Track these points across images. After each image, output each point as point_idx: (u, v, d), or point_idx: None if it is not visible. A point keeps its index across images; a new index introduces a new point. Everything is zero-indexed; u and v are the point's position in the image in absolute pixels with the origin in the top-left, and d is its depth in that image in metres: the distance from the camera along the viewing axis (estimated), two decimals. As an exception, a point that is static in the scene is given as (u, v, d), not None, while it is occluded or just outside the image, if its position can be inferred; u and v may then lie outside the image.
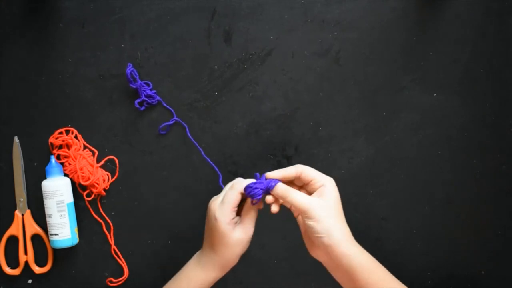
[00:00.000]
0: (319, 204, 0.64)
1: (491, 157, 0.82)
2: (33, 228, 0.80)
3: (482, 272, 0.83)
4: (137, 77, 0.79)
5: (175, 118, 0.80)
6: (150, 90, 0.79)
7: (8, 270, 0.80)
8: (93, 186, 0.79)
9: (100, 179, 0.79)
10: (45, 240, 0.80)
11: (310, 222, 0.64)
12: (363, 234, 0.82)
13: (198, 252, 0.71)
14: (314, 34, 0.81)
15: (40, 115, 0.80)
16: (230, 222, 0.67)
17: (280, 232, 0.82)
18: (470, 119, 0.82)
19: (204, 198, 0.81)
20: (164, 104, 0.80)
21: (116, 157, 0.81)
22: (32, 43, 0.80)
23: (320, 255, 0.67)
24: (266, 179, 0.68)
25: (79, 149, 0.79)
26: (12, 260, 0.81)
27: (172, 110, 0.80)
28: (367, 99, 0.81)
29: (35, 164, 0.80)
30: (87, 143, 0.80)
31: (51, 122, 0.80)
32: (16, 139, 0.78)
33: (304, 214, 0.64)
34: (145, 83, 0.79)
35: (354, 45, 0.81)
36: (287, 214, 0.82)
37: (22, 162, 0.79)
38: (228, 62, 0.81)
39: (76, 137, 0.80)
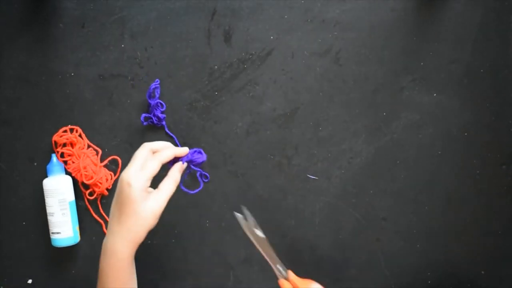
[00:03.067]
0: None
1: (491, 157, 0.82)
2: (305, 282, 0.74)
3: (482, 272, 0.83)
4: (158, 95, 0.79)
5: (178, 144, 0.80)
6: (161, 112, 0.79)
7: None
8: (96, 185, 0.79)
9: (103, 179, 0.79)
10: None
11: None
12: (363, 234, 0.83)
13: (105, 239, 0.66)
14: (314, 34, 0.81)
15: (40, 115, 0.80)
16: (144, 189, 0.64)
17: (280, 232, 0.82)
18: (470, 119, 0.82)
19: (204, 198, 0.81)
20: (167, 131, 0.80)
21: (118, 157, 0.81)
22: (32, 43, 0.80)
23: None
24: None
25: (83, 148, 0.80)
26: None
27: (175, 137, 0.80)
28: (367, 99, 0.81)
29: (35, 164, 0.80)
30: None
31: (51, 122, 0.80)
32: (237, 214, 0.71)
33: None
34: (160, 102, 0.79)
35: (354, 45, 0.81)
36: (288, 214, 0.82)
37: (261, 235, 0.71)
38: (228, 62, 0.81)
39: (80, 135, 0.80)
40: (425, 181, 0.82)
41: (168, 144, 0.70)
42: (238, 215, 0.69)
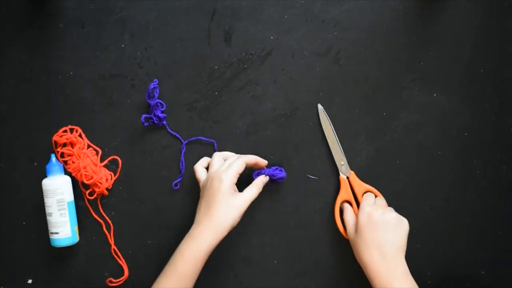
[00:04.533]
0: (352, 238, 0.76)
1: (491, 157, 0.82)
2: (362, 187, 0.80)
3: (482, 272, 0.83)
4: (157, 95, 0.79)
5: (184, 144, 0.80)
6: (162, 112, 0.79)
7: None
8: (96, 185, 0.79)
9: (103, 179, 0.79)
10: (377, 196, 0.80)
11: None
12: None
13: (190, 230, 0.73)
14: (314, 34, 0.81)
15: (40, 115, 0.80)
16: (233, 185, 0.73)
17: (280, 232, 0.82)
18: (470, 119, 0.82)
19: (204, 198, 0.81)
20: (169, 130, 0.80)
21: (118, 157, 0.81)
22: (32, 43, 0.80)
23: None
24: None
25: (83, 148, 0.79)
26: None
27: (178, 135, 0.80)
28: (367, 99, 0.81)
29: (35, 164, 0.80)
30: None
31: (51, 122, 0.80)
32: (320, 106, 0.80)
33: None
34: (159, 102, 0.79)
35: (354, 45, 0.81)
36: (287, 214, 0.82)
37: (332, 128, 0.79)
38: (228, 62, 0.81)
39: (80, 135, 0.80)
40: (425, 181, 0.82)
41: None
42: (320, 106, 0.78)
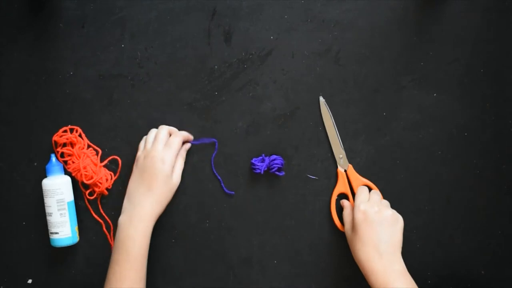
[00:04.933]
0: (349, 236, 0.76)
1: (491, 157, 0.82)
2: (359, 181, 0.81)
3: (482, 272, 0.83)
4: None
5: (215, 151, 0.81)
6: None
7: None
8: (96, 185, 0.79)
9: (103, 179, 0.79)
10: (373, 190, 0.81)
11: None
12: (363, 234, 0.82)
13: (121, 217, 0.74)
14: (314, 34, 0.81)
15: (40, 115, 0.80)
16: (173, 165, 0.76)
17: (280, 232, 0.82)
18: (470, 119, 0.82)
19: (204, 198, 0.81)
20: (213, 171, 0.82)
21: (117, 157, 0.81)
22: (32, 43, 0.80)
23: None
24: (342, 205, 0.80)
25: (83, 148, 0.79)
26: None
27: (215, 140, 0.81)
28: (367, 99, 0.81)
29: (35, 164, 0.80)
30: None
31: (51, 122, 0.80)
32: (321, 98, 0.80)
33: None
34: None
35: (354, 45, 0.81)
36: (287, 214, 0.82)
37: (332, 121, 0.80)
38: (228, 62, 0.81)
39: (80, 135, 0.80)
40: (425, 181, 0.82)
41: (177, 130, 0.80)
42: (322, 98, 0.78)
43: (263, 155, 0.80)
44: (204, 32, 0.81)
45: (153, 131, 0.79)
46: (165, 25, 0.80)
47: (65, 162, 0.79)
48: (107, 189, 0.80)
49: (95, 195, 0.80)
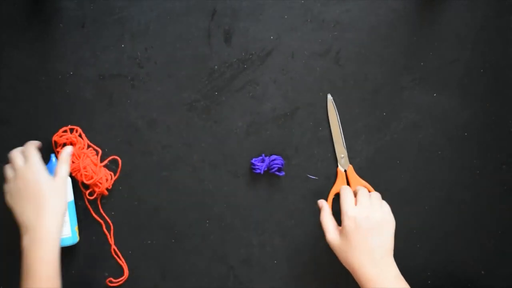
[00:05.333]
0: (338, 243, 0.72)
1: (491, 157, 0.82)
2: (358, 182, 0.80)
3: (482, 272, 0.83)
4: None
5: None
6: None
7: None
8: (96, 185, 0.79)
9: (103, 179, 0.79)
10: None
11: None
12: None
13: (23, 241, 0.69)
14: (314, 34, 0.81)
15: (40, 115, 0.80)
16: (43, 168, 0.71)
17: (280, 232, 0.82)
18: (470, 119, 0.82)
19: (204, 198, 0.81)
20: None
21: (117, 157, 0.81)
22: (32, 43, 0.80)
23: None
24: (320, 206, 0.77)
25: (83, 148, 0.79)
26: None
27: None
28: (367, 99, 0.81)
29: (35, 164, 0.80)
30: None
31: (51, 122, 0.80)
32: (329, 96, 0.80)
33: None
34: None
35: (354, 45, 0.81)
36: (287, 214, 0.82)
37: (338, 120, 0.79)
38: (228, 62, 0.81)
39: (80, 135, 0.80)
40: (425, 181, 0.82)
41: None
42: (330, 96, 0.78)
43: (263, 155, 0.80)
44: (204, 32, 0.81)
45: (10, 158, 0.74)
46: (165, 25, 0.80)
47: (65, 162, 0.79)
48: (107, 189, 0.80)
49: (95, 195, 0.80)
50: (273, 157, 0.80)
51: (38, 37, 0.80)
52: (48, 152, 0.79)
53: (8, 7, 0.79)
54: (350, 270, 0.71)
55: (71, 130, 0.80)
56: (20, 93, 0.80)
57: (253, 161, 0.80)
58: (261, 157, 0.80)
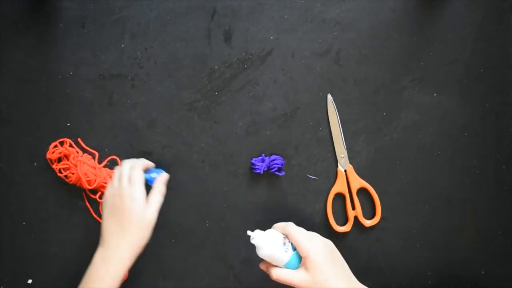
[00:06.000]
0: (303, 280, 0.66)
1: (491, 157, 0.82)
2: (358, 182, 0.80)
3: (482, 272, 0.83)
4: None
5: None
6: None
7: (339, 228, 0.81)
8: (102, 186, 0.79)
9: (106, 178, 0.79)
10: (370, 193, 0.81)
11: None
12: (363, 234, 0.83)
13: (97, 252, 0.69)
14: (314, 34, 0.81)
15: (40, 115, 0.80)
16: (145, 200, 0.70)
17: (280, 232, 0.82)
18: (470, 119, 0.82)
19: (204, 198, 0.81)
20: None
21: (117, 157, 0.81)
22: (32, 43, 0.80)
23: None
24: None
25: (77, 156, 0.79)
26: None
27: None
28: (367, 99, 0.81)
29: (35, 164, 0.80)
30: (87, 143, 0.80)
31: (51, 122, 0.80)
32: (329, 96, 0.80)
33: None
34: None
35: (354, 45, 0.81)
36: (287, 214, 0.82)
37: (338, 120, 0.79)
38: (228, 62, 0.81)
39: (71, 145, 0.80)
40: (425, 181, 0.82)
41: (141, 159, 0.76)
42: (330, 96, 0.78)
43: (263, 155, 0.80)
44: (204, 32, 0.81)
45: (118, 168, 0.74)
46: (165, 25, 0.80)
47: (66, 177, 0.79)
48: None
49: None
50: (273, 157, 0.80)
51: (38, 37, 0.80)
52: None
53: (8, 7, 0.79)
54: None
55: (61, 144, 0.80)
56: (20, 93, 0.80)
57: (253, 161, 0.80)
58: (261, 157, 0.80)
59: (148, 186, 0.73)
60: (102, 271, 0.67)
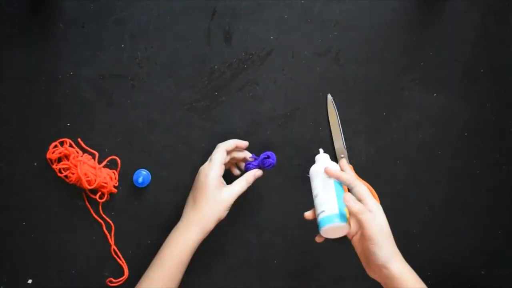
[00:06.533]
0: (383, 231, 0.65)
1: (491, 157, 0.82)
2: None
3: (482, 272, 0.83)
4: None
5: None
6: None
7: None
8: (102, 186, 0.79)
9: (106, 178, 0.79)
10: (370, 193, 0.77)
11: (374, 249, 0.64)
12: (363, 234, 0.82)
13: (179, 222, 0.74)
14: (314, 34, 0.81)
15: (40, 115, 0.80)
16: (218, 178, 0.73)
17: (280, 232, 0.82)
18: (470, 119, 0.82)
19: (204, 198, 0.81)
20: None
21: (117, 157, 0.81)
22: (32, 43, 0.80)
23: (377, 276, 0.67)
24: (325, 170, 0.70)
25: (78, 156, 0.79)
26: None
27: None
28: (367, 99, 0.81)
29: (35, 164, 0.80)
30: (87, 143, 0.80)
31: (51, 122, 0.80)
32: (329, 96, 0.80)
33: (370, 241, 0.64)
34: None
35: (354, 45, 0.81)
36: (288, 214, 0.82)
37: (338, 120, 0.79)
38: (228, 62, 0.81)
39: (71, 145, 0.80)
40: (425, 181, 0.82)
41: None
42: (330, 96, 0.80)
43: (253, 155, 0.78)
44: (204, 32, 0.81)
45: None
46: (165, 25, 0.80)
47: (66, 177, 0.79)
48: (114, 186, 0.80)
49: (105, 197, 0.80)
50: (265, 154, 0.76)
51: (38, 37, 0.80)
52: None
53: (8, 7, 0.79)
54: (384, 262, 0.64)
55: (61, 144, 0.80)
56: (20, 93, 0.80)
57: (245, 166, 0.78)
58: (253, 155, 0.78)
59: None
60: (170, 240, 0.72)
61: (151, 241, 0.81)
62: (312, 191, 0.71)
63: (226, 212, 0.73)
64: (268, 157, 0.76)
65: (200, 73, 0.81)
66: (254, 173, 0.76)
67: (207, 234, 0.72)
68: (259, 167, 0.77)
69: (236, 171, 0.80)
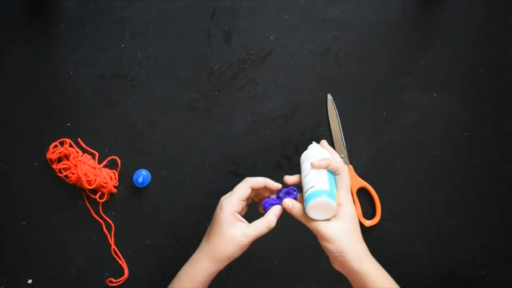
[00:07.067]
0: (332, 226, 0.64)
1: (491, 157, 0.82)
2: (358, 182, 0.80)
3: (482, 272, 0.83)
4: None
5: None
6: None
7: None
8: (102, 186, 0.79)
9: (106, 178, 0.79)
10: (370, 193, 0.80)
11: (324, 243, 0.65)
12: (363, 234, 0.82)
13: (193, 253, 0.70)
14: (314, 34, 0.81)
15: (40, 115, 0.80)
16: (233, 213, 0.66)
17: (280, 232, 0.82)
18: (470, 119, 0.82)
19: (204, 198, 0.81)
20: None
21: (117, 157, 0.81)
22: (32, 43, 0.80)
23: (339, 269, 0.67)
24: (284, 184, 0.69)
25: (78, 156, 0.79)
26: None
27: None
28: (367, 99, 0.81)
29: (35, 164, 0.80)
30: (87, 143, 0.80)
31: (51, 122, 0.80)
32: (329, 96, 0.79)
33: (317, 235, 0.65)
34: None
35: (354, 45, 0.81)
36: (287, 214, 0.82)
37: (338, 120, 0.79)
38: (228, 62, 0.81)
39: (71, 145, 0.80)
40: (425, 181, 0.82)
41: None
42: (330, 96, 0.77)
43: (277, 191, 0.71)
44: (204, 32, 0.81)
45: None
46: (165, 25, 0.80)
47: (66, 177, 0.79)
48: (114, 186, 0.80)
49: (105, 197, 0.80)
50: (285, 190, 0.70)
51: (38, 37, 0.80)
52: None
53: (8, 7, 0.79)
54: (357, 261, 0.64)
55: (61, 144, 0.80)
56: (20, 93, 0.80)
57: (265, 202, 0.70)
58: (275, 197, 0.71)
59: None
60: (183, 269, 0.68)
61: (151, 241, 0.81)
62: (302, 172, 0.68)
63: (239, 252, 0.66)
64: (294, 191, 0.69)
65: (200, 73, 0.81)
66: (275, 212, 0.68)
67: (219, 269, 0.66)
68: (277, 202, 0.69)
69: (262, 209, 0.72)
